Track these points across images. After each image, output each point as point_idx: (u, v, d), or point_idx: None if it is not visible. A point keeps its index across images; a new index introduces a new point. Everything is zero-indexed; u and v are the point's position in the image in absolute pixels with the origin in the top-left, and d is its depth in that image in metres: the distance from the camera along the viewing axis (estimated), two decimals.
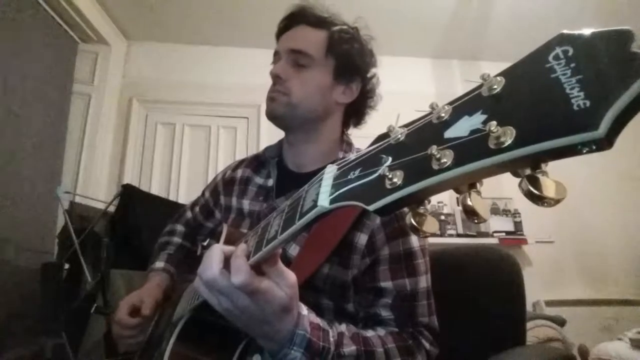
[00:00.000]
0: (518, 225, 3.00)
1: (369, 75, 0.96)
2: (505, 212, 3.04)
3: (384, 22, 3.01)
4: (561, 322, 2.44)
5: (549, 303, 2.86)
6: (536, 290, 2.81)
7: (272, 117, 0.91)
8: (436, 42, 3.29)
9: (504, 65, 0.27)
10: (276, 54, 0.94)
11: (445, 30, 3.13)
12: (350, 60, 0.91)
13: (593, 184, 3.22)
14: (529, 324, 2.20)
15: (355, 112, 0.98)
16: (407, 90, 3.01)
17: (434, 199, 3.03)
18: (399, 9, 2.89)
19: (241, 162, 1.08)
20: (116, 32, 3.07)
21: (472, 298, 1.00)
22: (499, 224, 2.99)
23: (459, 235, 2.93)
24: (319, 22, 0.93)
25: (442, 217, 2.91)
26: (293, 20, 0.95)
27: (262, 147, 1.04)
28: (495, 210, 3.04)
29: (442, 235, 2.88)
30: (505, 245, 2.82)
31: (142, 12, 2.92)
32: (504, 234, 2.95)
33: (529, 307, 2.72)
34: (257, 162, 1.03)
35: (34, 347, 2.10)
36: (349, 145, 0.96)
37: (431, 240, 2.84)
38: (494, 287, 0.98)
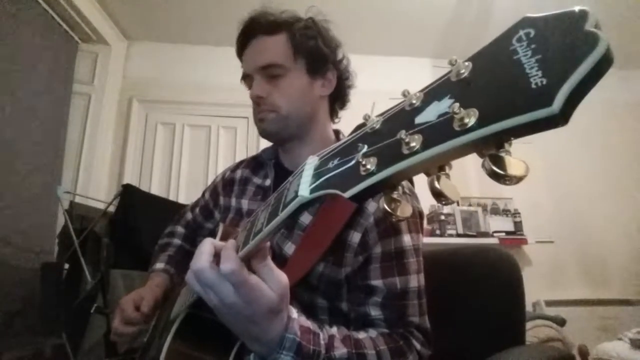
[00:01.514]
0: (518, 225, 2.99)
1: (339, 59, 0.97)
2: (505, 212, 3.04)
3: (383, 22, 3.02)
4: (561, 322, 2.44)
5: (549, 303, 2.85)
6: (536, 290, 2.81)
7: (267, 135, 0.92)
8: (436, 42, 3.29)
9: None
10: (246, 77, 0.94)
11: (445, 30, 3.13)
12: (319, 53, 0.91)
13: (593, 184, 3.22)
14: (529, 324, 2.20)
15: (339, 96, 1.00)
16: (407, 90, 3.01)
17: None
18: (399, 9, 2.90)
19: (240, 163, 1.09)
20: (116, 32, 3.09)
21: (471, 298, 0.99)
22: (499, 224, 2.99)
23: (459, 235, 2.92)
24: (274, 26, 0.91)
25: (442, 217, 2.91)
26: (248, 35, 0.94)
27: (262, 147, 1.06)
28: (495, 210, 3.04)
29: (442, 235, 2.88)
30: (505, 245, 2.81)
31: (142, 12, 2.93)
32: (504, 234, 2.95)
33: (529, 307, 2.72)
34: (255, 163, 1.04)
35: (34, 347, 2.11)
36: None
37: (431, 240, 2.85)
38: (494, 287, 0.98)
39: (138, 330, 0.88)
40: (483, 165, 0.24)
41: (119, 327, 0.87)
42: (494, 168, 0.23)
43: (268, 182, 0.96)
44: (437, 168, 0.27)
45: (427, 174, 0.28)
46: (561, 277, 3.05)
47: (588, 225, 3.16)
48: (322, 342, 0.60)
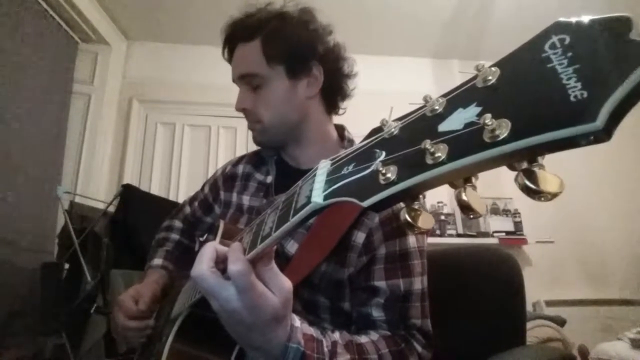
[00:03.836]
0: (518, 225, 2.99)
1: (324, 49, 0.90)
2: (505, 212, 3.03)
3: (383, 22, 3.01)
4: (561, 322, 2.44)
5: (549, 303, 2.86)
6: (536, 290, 2.81)
7: (259, 145, 0.94)
8: (436, 42, 3.28)
9: None
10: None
11: (445, 29, 3.13)
12: (293, 53, 0.86)
13: (593, 184, 3.22)
14: (529, 324, 2.19)
15: (334, 89, 0.94)
16: (407, 90, 3.01)
17: (434, 199, 3.03)
18: (399, 9, 2.89)
19: (242, 157, 1.07)
20: (116, 32, 3.07)
21: (472, 298, 0.99)
22: (499, 224, 2.99)
23: (459, 235, 2.92)
24: (250, 32, 0.88)
25: (442, 217, 2.90)
26: (230, 43, 0.92)
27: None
28: (495, 210, 3.04)
29: (442, 235, 2.88)
30: (505, 245, 2.81)
31: (142, 12, 2.92)
32: (504, 234, 2.95)
33: (529, 307, 2.71)
34: (257, 158, 1.03)
35: (34, 347, 2.10)
36: (350, 142, 0.96)
37: (431, 240, 2.83)
38: (494, 287, 0.98)
39: (145, 324, 0.86)
40: (516, 180, 0.23)
41: (125, 322, 0.85)
42: (528, 183, 0.22)
43: (269, 179, 0.94)
44: (463, 180, 0.26)
45: (453, 186, 0.27)
46: (561, 277, 3.05)
47: (588, 225, 3.16)
48: (325, 349, 0.59)
